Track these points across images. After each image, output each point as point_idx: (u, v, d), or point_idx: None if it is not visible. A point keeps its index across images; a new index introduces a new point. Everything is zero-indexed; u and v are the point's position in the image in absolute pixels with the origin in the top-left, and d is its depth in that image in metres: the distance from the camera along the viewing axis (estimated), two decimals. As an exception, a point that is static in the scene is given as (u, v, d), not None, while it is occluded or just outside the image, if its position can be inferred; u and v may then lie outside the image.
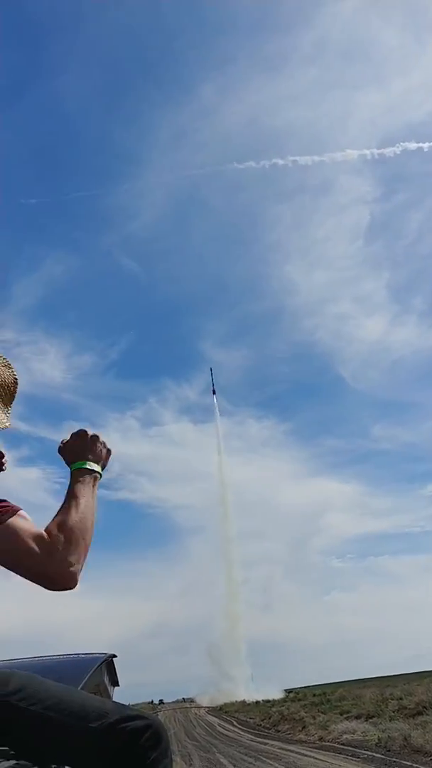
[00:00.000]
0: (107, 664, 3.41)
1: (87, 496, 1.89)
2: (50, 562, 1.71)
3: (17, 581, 1.71)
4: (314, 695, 36.98)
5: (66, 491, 1.90)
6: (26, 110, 72.80)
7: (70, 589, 1.76)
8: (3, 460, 2.08)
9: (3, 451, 2.08)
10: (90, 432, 2.01)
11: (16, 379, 2.04)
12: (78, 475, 1.94)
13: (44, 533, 1.75)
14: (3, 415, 1.95)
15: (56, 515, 1.82)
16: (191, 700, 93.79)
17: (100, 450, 2.01)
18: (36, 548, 1.72)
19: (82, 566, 1.77)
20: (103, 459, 2.02)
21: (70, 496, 1.88)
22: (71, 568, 1.74)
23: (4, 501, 1.80)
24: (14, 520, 1.74)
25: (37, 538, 1.74)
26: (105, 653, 3.34)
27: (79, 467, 1.95)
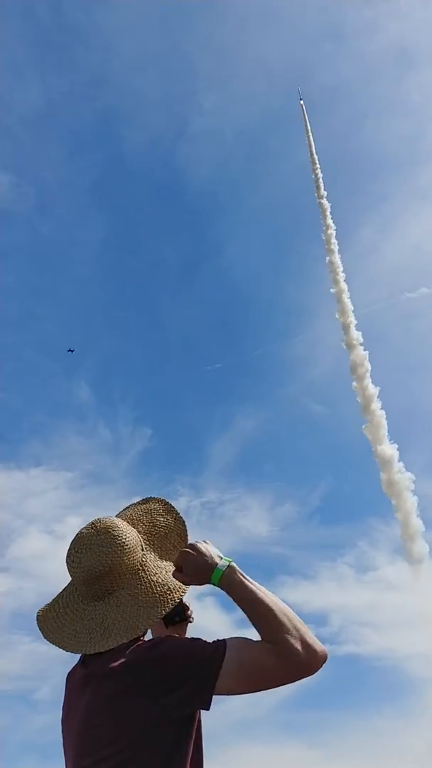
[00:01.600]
0: None
1: (252, 588, 1.78)
2: (293, 659, 1.68)
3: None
4: None
5: (240, 604, 1.79)
6: (201, 287, 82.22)
7: (325, 661, 1.73)
8: (188, 612, 2.13)
9: (188, 605, 2.11)
10: (186, 547, 1.90)
11: (177, 518, 2.00)
12: (226, 582, 1.80)
13: (264, 642, 1.71)
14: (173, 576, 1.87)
15: (255, 625, 1.74)
16: None
17: (207, 547, 1.88)
18: (270, 656, 1.68)
19: (312, 637, 1.72)
20: (214, 548, 1.88)
21: (247, 601, 1.77)
22: (313, 646, 1.70)
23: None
24: (232, 648, 1.71)
25: (264, 647, 1.70)
26: None
27: (220, 574, 1.81)
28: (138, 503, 2.07)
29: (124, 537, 1.87)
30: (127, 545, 1.86)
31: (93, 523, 1.89)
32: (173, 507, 2.03)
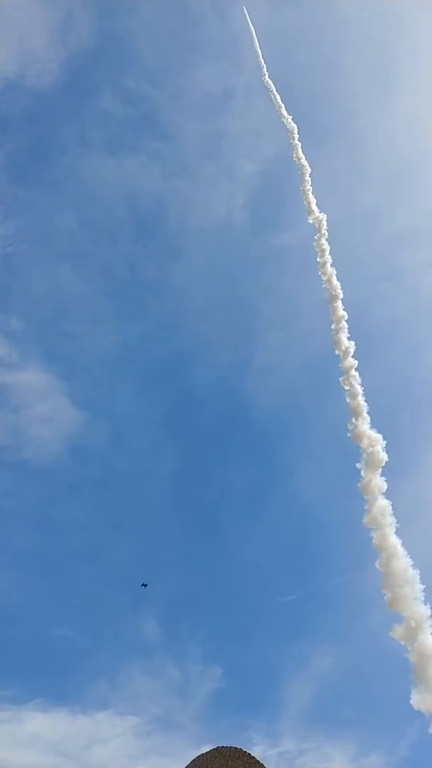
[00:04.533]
0: None
1: None
2: None
3: None
4: None
5: None
6: (271, 513, 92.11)
7: None
8: None
9: None
10: None
11: None
12: None
13: None
14: None
15: None
16: None
17: None
18: None
19: None
20: None
21: None
22: None
23: None
24: None
25: None
26: None
27: None
28: (211, 755, 1.75)
29: None
30: None
31: None
32: (255, 759, 1.73)
